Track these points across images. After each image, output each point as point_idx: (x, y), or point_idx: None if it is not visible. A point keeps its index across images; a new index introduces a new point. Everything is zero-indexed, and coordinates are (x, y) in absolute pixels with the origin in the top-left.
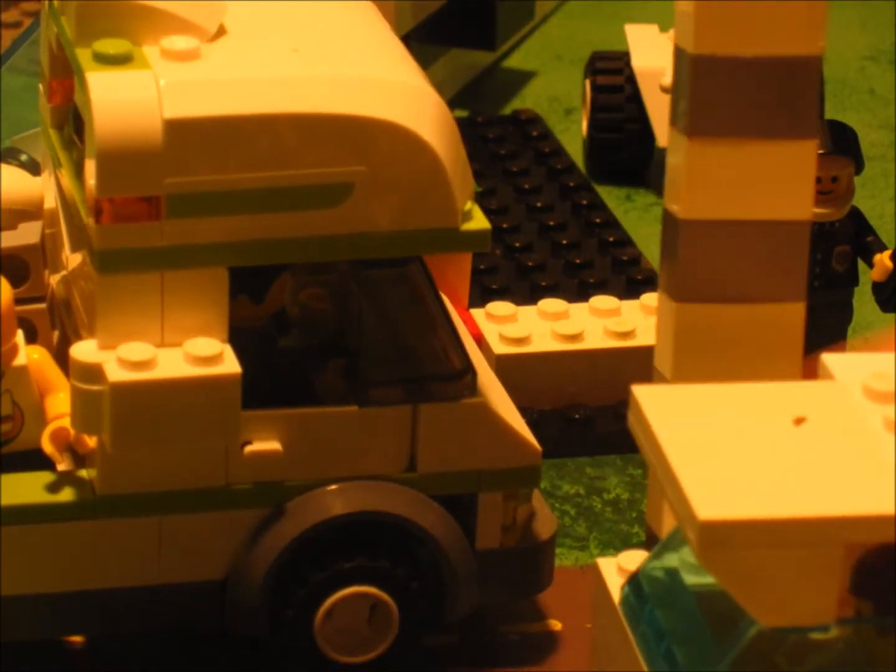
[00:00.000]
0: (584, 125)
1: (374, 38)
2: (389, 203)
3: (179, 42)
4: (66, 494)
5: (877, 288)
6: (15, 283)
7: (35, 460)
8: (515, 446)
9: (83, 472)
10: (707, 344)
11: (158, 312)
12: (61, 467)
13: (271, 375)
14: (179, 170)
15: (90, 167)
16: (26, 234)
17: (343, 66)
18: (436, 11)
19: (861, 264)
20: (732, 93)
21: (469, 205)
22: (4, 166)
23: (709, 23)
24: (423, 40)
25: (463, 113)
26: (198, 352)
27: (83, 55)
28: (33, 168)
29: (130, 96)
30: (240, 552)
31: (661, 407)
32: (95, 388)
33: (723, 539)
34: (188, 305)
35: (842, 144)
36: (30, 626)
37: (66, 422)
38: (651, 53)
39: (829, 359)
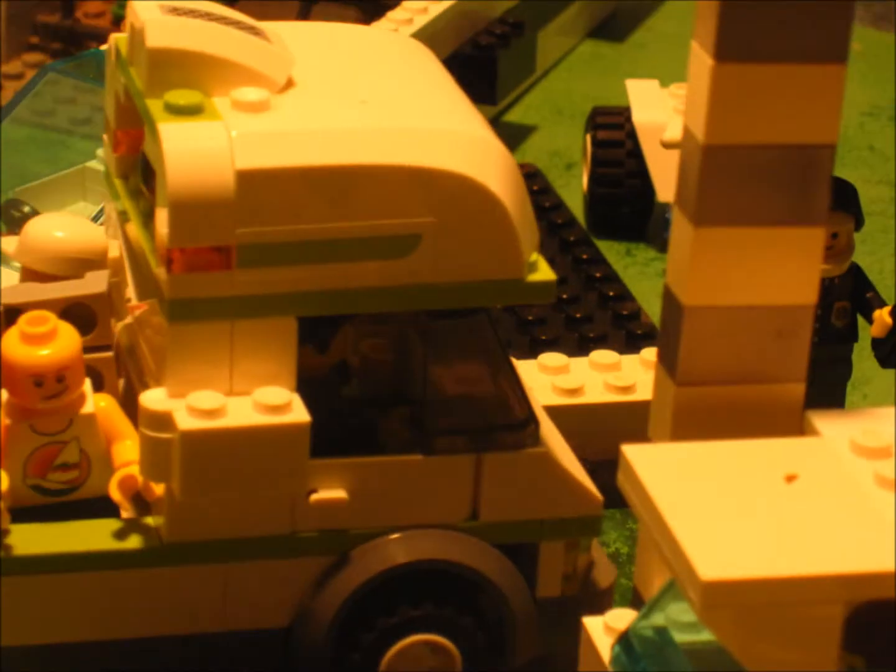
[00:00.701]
0: (585, 180)
1: (439, 90)
2: (456, 254)
3: (250, 93)
4: (133, 542)
5: (876, 344)
6: (82, 332)
7: (100, 508)
8: (577, 496)
9: (149, 520)
10: (705, 424)
11: (227, 361)
12: (126, 515)
13: (334, 424)
14: (250, 220)
15: (161, 217)
16: (93, 284)
17: (411, 117)
18: None
19: (860, 320)
20: (742, 181)
21: (534, 256)
22: (69, 216)
23: (723, 113)
24: None
25: None
26: (267, 400)
27: (154, 106)
28: None
29: (202, 147)
30: (305, 600)
31: (652, 466)
32: (165, 435)
33: (725, 598)
34: (257, 354)
35: (842, 200)
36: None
37: (133, 469)
38: (652, 108)
39: (814, 416)
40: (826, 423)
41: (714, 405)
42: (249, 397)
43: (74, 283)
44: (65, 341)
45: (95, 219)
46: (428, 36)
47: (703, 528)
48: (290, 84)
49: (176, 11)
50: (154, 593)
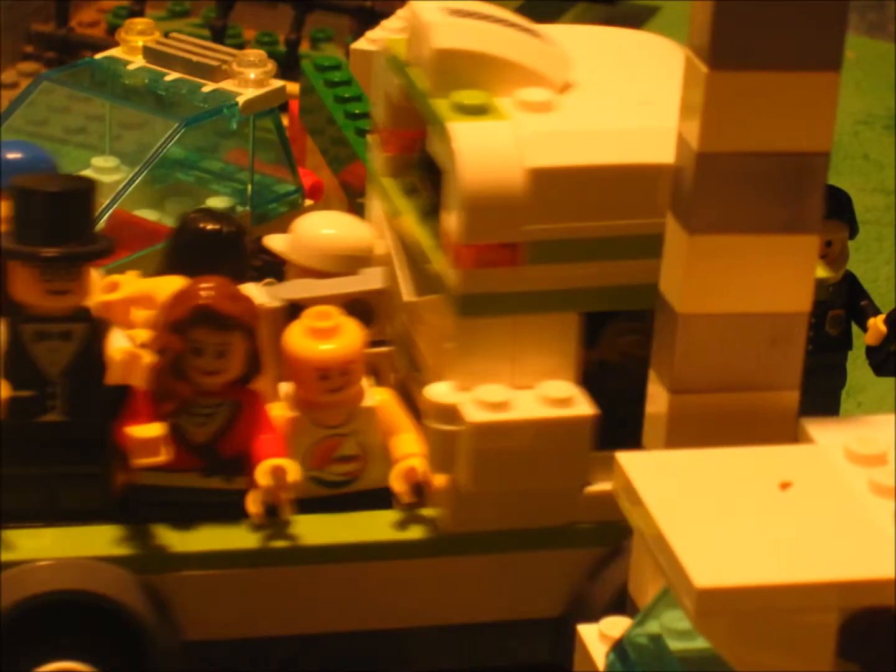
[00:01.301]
0: None
1: None
2: None
3: (536, 94)
4: (415, 532)
5: (870, 352)
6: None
7: (376, 499)
8: None
9: (427, 511)
10: (699, 431)
11: (511, 355)
12: (404, 506)
13: (599, 418)
14: (539, 217)
15: (451, 214)
16: (372, 280)
17: None
18: None
19: (855, 328)
20: (736, 189)
21: None
22: (339, 214)
23: (717, 121)
24: None
25: None
26: (552, 393)
27: (441, 105)
28: None
29: (493, 146)
30: (578, 590)
31: (647, 473)
32: (452, 428)
33: (719, 606)
34: (540, 349)
35: (836, 209)
36: (372, 661)
37: (414, 461)
38: None
39: (808, 423)
40: (821, 431)
41: (708, 413)
42: (534, 390)
43: (354, 280)
44: (349, 336)
45: None
46: None
47: (698, 535)
48: (569, 85)
49: (458, 13)
50: (433, 584)
